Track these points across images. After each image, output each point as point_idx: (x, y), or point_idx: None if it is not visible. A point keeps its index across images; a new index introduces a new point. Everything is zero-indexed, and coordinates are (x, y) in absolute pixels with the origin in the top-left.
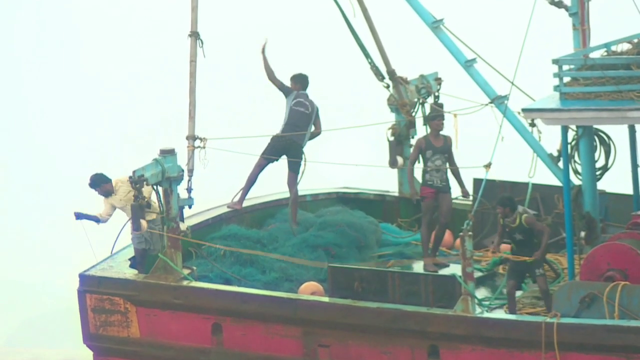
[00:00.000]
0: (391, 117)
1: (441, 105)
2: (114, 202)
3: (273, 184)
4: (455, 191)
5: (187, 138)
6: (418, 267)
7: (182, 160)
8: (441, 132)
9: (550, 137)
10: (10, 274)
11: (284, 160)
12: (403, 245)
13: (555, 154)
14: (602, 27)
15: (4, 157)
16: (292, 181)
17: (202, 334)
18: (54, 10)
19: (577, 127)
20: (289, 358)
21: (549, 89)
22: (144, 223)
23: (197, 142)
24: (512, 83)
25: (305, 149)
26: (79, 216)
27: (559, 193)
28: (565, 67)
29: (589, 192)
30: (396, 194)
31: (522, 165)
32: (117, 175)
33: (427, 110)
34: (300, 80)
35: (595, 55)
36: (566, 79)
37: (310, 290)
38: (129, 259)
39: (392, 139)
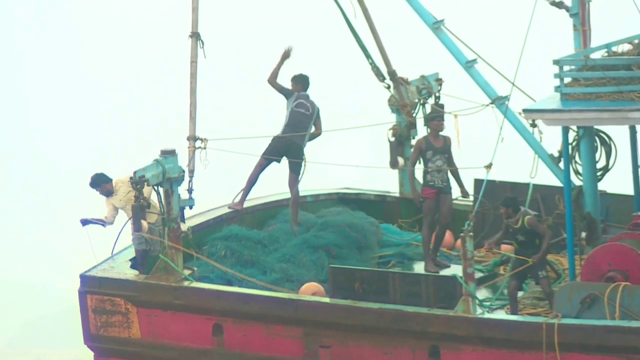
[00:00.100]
0: (392, 118)
1: (442, 106)
2: (115, 203)
3: (274, 184)
4: (455, 191)
5: (188, 139)
6: (419, 267)
7: (182, 161)
8: (441, 133)
9: (551, 138)
10: (10, 274)
11: (284, 161)
12: (404, 246)
13: (556, 154)
14: (602, 28)
15: (4, 157)
16: (293, 182)
17: (203, 334)
18: (54, 10)
19: (578, 127)
20: (290, 359)
21: (549, 89)
22: (144, 224)
23: (198, 143)
24: (513, 84)
25: (305, 150)
26: (85, 222)
27: (559, 194)
28: (566, 68)
29: (590, 193)
30: (397, 195)
31: (523, 165)
32: (117, 176)
33: (428, 111)
34: (301, 81)
35: (596, 55)
36: (567, 80)
37: (311, 291)
38: (130, 260)
39: (392, 139)
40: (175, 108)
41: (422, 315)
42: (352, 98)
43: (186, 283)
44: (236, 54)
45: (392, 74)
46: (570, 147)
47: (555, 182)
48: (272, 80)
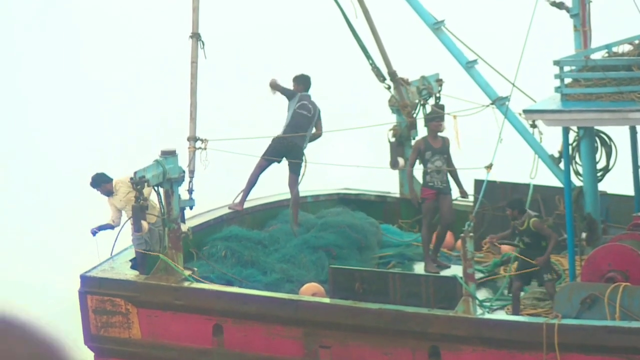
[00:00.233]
0: (392, 119)
1: (442, 107)
2: (115, 203)
3: (274, 185)
4: (455, 192)
5: (188, 139)
6: (419, 268)
7: (183, 162)
8: (441, 134)
9: (551, 138)
10: (10, 274)
11: (284, 162)
12: (404, 247)
13: (556, 155)
14: (603, 29)
15: (4, 157)
16: (293, 182)
17: (203, 335)
18: (54, 10)
19: (578, 128)
20: (290, 359)
21: (550, 90)
22: (144, 224)
23: (198, 143)
24: (513, 84)
25: (305, 151)
26: (95, 232)
27: (560, 194)
28: (566, 69)
29: (590, 194)
30: (397, 195)
31: (523, 166)
32: (117, 176)
33: (428, 112)
34: (303, 82)
35: (596, 56)
36: (567, 80)
37: (311, 292)
38: (130, 260)
39: (393, 140)
40: (175, 108)
41: (422, 315)
42: (353, 99)
43: (186, 283)
44: (236, 54)
45: (393, 74)
46: (570, 147)
47: (556, 182)
48: (273, 84)
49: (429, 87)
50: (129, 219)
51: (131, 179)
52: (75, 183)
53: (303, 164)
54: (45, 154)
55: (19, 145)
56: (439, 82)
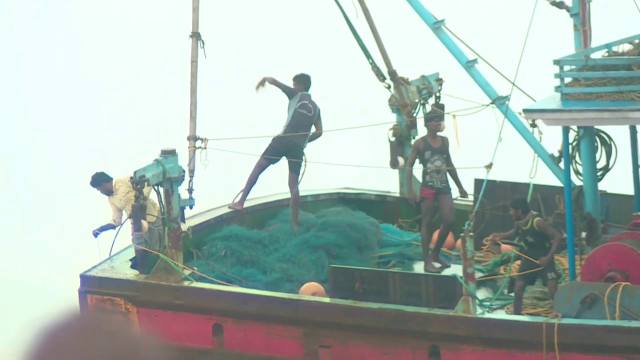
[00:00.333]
0: (392, 118)
1: (442, 106)
2: (115, 202)
3: (274, 184)
4: (454, 192)
5: (188, 138)
6: (419, 267)
7: (183, 161)
8: (439, 133)
9: (551, 138)
10: (9, 274)
11: (284, 161)
12: (404, 246)
13: (556, 154)
14: (603, 28)
15: (4, 157)
16: (293, 182)
17: (203, 334)
18: (54, 10)
19: (578, 127)
20: (290, 359)
21: (550, 89)
22: (144, 224)
23: (198, 143)
24: (513, 84)
25: (305, 150)
26: (97, 233)
27: (560, 194)
28: (566, 68)
29: (590, 193)
30: (397, 195)
31: (523, 165)
32: (117, 176)
33: (428, 111)
34: (303, 81)
35: (596, 55)
36: (567, 80)
37: (311, 291)
38: (130, 260)
39: (393, 139)
40: (175, 108)
41: (422, 315)
42: (353, 98)
43: (186, 283)
44: (236, 54)
45: (393, 74)
46: (570, 147)
47: (556, 182)
48: (274, 81)
49: (429, 86)
50: (129, 218)
51: (131, 178)
52: (75, 183)
53: (303, 163)
54: (45, 154)
55: (19, 145)
56: (439, 81)
